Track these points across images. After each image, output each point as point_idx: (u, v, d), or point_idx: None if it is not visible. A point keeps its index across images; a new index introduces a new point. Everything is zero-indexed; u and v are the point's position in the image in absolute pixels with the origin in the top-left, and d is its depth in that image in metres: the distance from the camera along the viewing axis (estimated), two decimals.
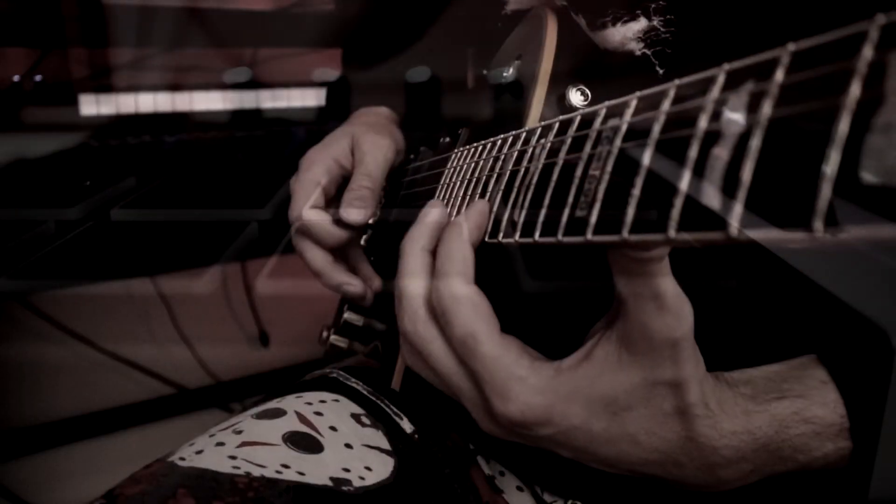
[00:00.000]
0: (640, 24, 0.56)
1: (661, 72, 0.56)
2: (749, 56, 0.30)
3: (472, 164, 0.58)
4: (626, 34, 0.57)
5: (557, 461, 0.63)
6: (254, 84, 1.47)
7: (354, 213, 0.72)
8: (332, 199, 0.76)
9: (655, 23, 0.56)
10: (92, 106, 1.27)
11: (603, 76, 0.58)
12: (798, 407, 0.45)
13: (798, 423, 0.44)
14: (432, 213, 0.50)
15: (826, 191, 0.24)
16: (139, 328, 1.72)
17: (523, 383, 0.42)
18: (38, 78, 1.25)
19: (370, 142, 0.76)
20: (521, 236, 0.43)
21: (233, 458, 0.54)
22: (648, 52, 0.56)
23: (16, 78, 1.25)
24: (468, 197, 0.55)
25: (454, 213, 0.56)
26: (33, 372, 1.60)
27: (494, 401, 0.43)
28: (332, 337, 0.84)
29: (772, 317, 0.53)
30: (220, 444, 0.56)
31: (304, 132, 1.46)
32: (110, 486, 0.52)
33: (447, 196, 0.62)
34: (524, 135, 0.50)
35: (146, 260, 1.39)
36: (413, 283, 0.48)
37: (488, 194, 0.51)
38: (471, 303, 0.44)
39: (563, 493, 0.66)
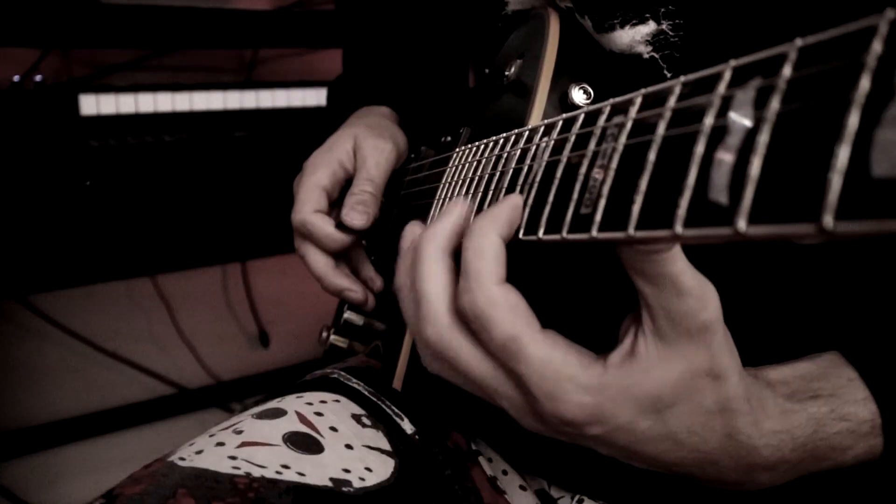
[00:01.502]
0: (649, 27, 0.56)
1: (668, 76, 0.56)
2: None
3: (475, 163, 0.57)
4: (635, 37, 0.56)
5: (568, 456, 0.62)
6: (254, 84, 1.48)
7: (357, 217, 0.72)
8: (336, 202, 0.77)
9: (664, 27, 0.55)
10: (92, 106, 1.27)
11: (608, 77, 0.58)
12: (833, 405, 0.45)
13: (834, 422, 0.44)
14: (454, 213, 0.46)
15: (836, 185, 0.23)
16: (139, 328, 1.72)
17: (573, 382, 0.40)
18: (38, 78, 1.25)
19: (371, 145, 0.76)
20: (524, 234, 0.43)
21: (233, 458, 0.54)
22: (657, 56, 0.56)
23: (16, 78, 1.25)
24: (470, 196, 0.54)
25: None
26: (33, 372, 1.60)
27: (543, 401, 0.41)
28: (333, 337, 0.83)
29: (790, 314, 0.53)
30: (221, 444, 0.56)
31: (304, 132, 1.46)
32: (110, 486, 0.52)
33: (448, 195, 0.62)
34: (527, 133, 0.49)
35: (146, 260, 1.39)
36: (434, 286, 0.44)
37: (490, 193, 0.51)
38: (508, 304, 0.41)
39: (571, 488, 0.65)
